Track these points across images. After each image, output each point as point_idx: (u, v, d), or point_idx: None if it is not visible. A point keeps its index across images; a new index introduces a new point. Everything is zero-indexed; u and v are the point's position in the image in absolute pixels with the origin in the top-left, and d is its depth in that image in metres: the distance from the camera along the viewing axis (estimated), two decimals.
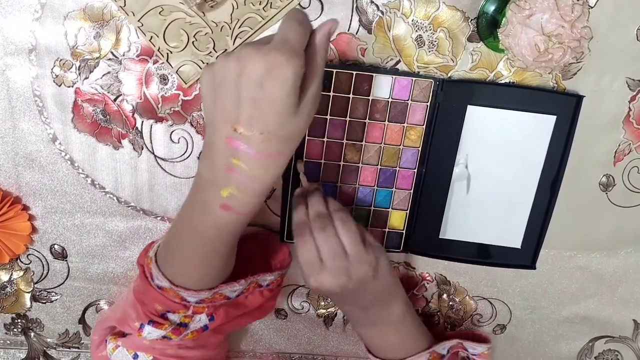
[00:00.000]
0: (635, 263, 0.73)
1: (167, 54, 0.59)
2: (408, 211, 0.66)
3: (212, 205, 0.48)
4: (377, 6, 0.58)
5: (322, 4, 0.58)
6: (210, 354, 0.62)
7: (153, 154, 0.64)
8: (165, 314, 0.57)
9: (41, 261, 0.69)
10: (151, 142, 0.63)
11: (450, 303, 0.74)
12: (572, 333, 0.77)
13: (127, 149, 0.63)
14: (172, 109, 0.62)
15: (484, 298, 0.74)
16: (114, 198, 0.65)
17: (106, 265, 0.69)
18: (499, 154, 0.64)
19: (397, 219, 0.67)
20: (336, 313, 0.74)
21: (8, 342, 0.74)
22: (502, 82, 0.62)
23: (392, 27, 0.59)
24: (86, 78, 0.60)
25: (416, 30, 0.59)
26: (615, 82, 0.63)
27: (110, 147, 0.63)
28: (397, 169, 0.64)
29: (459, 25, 0.60)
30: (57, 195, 0.65)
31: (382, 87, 0.61)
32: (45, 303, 0.71)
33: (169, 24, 0.58)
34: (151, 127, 0.62)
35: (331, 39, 0.47)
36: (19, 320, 0.72)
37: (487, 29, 0.59)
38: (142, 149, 0.63)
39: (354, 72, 0.60)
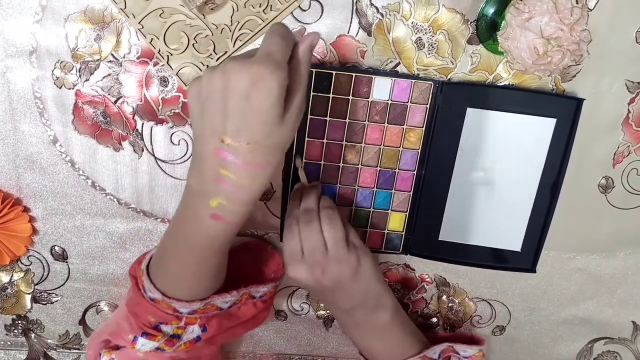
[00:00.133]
0: (634, 265, 0.73)
1: (168, 56, 0.59)
2: (407, 213, 0.67)
3: (202, 215, 0.49)
4: (377, 9, 0.59)
5: (322, 6, 0.58)
6: None
7: (153, 155, 0.64)
8: (158, 326, 0.57)
9: (42, 262, 0.69)
10: (151, 144, 0.63)
11: (450, 304, 0.74)
12: (572, 334, 0.77)
13: (127, 150, 0.63)
14: (173, 111, 0.62)
15: (484, 299, 0.74)
16: (115, 200, 0.66)
17: (106, 267, 0.69)
18: (498, 156, 0.64)
19: (397, 221, 0.67)
20: None
21: (9, 343, 0.74)
22: (502, 84, 0.62)
23: (391, 30, 0.59)
24: (87, 80, 0.60)
25: (416, 33, 0.60)
26: (614, 84, 0.63)
27: (111, 149, 0.63)
28: (397, 170, 0.65)
29: (458, 28, 0.60)
30: (57, 196, 0.65)
31: (382, 89, 0.61)
32: (45, 304, 0.71)
33: (169, 27, 0.58)
34: (151, 129, 0.63)
35: (322, 46, 0.50)
36: (20, 322, 0.72)
37: (486, 31, 0.59)
38: (143, 150, 0.63)
39: (354, 74, 0.60)
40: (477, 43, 0.60)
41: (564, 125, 0.62)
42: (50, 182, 0.64)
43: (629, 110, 0.64)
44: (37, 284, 0.70)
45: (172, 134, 0.63)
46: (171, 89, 0.61)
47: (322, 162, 0.64)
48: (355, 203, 0.66)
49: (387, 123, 0.62)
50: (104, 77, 0.60)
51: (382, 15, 0.59)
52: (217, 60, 0.59)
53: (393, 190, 0.66)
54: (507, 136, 0.63)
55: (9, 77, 0.60)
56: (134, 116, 0.62)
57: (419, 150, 0.64)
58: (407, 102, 0.62)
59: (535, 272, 0.68)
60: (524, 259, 0.68)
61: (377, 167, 0.64)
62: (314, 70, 0.59)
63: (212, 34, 0.58)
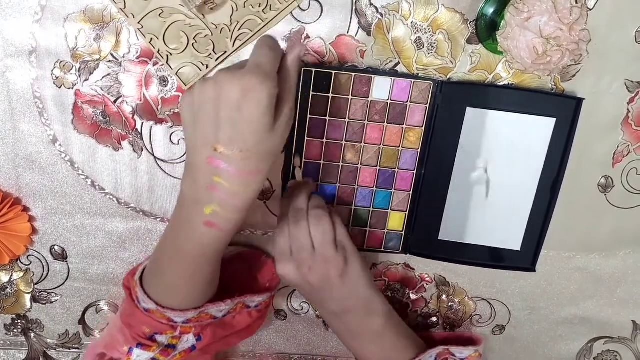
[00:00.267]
0: (634, 264, 0.73)
1: (167, 55, 0.59)
2: (407, 212, 0.67)
3: (196, 223, 0.50)
4: (377, 8, 0.59)
5: (321, 6, 0.58)
6: None
7: (153, 155, 0.64)
8: (153, 336, 0.58)
9: (41, 262, 0.69)
10: (151, 144, 0.63)
11: (450, 304, 0.74)
12: (571, 334, 0.77)
13: (127, 150, 0.63)
14: (172, 110, 0.62)
15: (483, 299, 0.74)
16: (114, 199, 0.66)
17: (106, 266, 0.69)
18: (498, 156, 0.64)
19: (396, 220, 0.67)
20: None
21: (8, 342, 0.74)
22: (502, 84, 0.62)
23: (391, 29, 0.59)
24: (86, 80, 0.60)
25: (415, 33, 0.60)
26: (613, 84, 0.63)
27: (110, 149, 0.63)
28: (397, 170, 0.65)
29: (458, 28, 0.60)
30: (57, 196, 0.65)
31: (381, 89, 0.61)
32: (45, 304, 0.71)
33: (168, 26, 0.58)
34: (151, 129, 0.63)
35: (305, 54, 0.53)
36: (19, 321, 0.72)
37: (486, 31, 0.59)
38: (142, 150, 0.63)
39: (353, 74, 0.60)
40: (476, 43, 0.60)
41: (564, 125, 0.62)
42: (50, 181, 0.64)
43: (628, 109, 0.64)
44: (36, 284, 0.70)
45: (172, 133, 0.63)
46: (171, 88, 0.61)
47: (322, 162, 0.64)
48: (355, 202, 0.66)
49: (387, 123, 0.62)
50: (103, 77, 0.60)
51: (381, 15, 0.59)
52: (216, 60, 0.59)
53: (393, 190, 0.66)
54: (506, 136, 0.63)
55: (8, 76, 0.60)
56: (133, 116, 0.62)
57: (419, 150, 0.64)
58: (407, 102, 0.62)
59: (535, 271, 0.68)
60: (524, 258, 0.68)
61: (376, 166, 0.64)
62: (313, 69, 0.59)
63: (212, 34, 0.58)
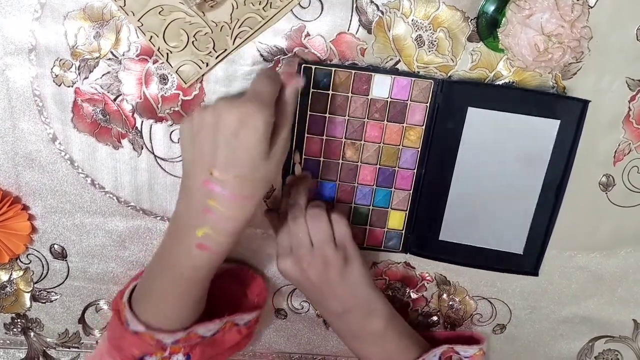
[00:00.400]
0: (635, 263, 0.73)
1: (167, 53, 0.59)
2: (407, 211, 0.66)
3: (189, 245, 0.51)
4: (377, 6, 0.58)
5: (322, 3, 0.58)
6: None
7: (153, 153, 0.64)
8: (143, 358, 0.58)
9: (41, 261, 0.69)
10: (151, 142, 0.63)
11: (450, 303, 0.74)
12: (572, 333, 0.77)
13: (126, 148, 0.63)
14: (172, 108, 0.62)
15: (484, 298, 0.74)
16: (114, 198, 0.65)
17: (106, 265, 0.69)
18: (500, 157, 0.63)
19: (396, 219, 0.67)
20: None
21: (8, 341, 0.74)
22: (503, 83, 0.62)
23: (391, 27, 0.59)
24: (86, 78, 0.60)
25: (416, 30, 0.59)
26: (615, 82, 0.63)
27: (110, 147, 0.63)
28: (397, 169, 0.64)
29: (458, 25, 0.60)
30: (56, 195, 0.65)
31: (381, 87, 0.61)
32: (45, 303, 0.71)
33: (168, 24, 0.58)
34: (151, 127, 0.62)
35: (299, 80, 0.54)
36: (19, 320, 0.72)
37: (486, 28, 0.59)
38: (142, 148, 0.63)
39: (353, 71, 0.60)
40: (477, 40, 0.60)
41: (569, 127, 0.61)
42: (50, 180, 0.64)
43: (629, 108, 0.64)
44: (36, 283, 0.70)
45: (172, 131, 0.63)
46: (171, 86, 0.61)
47: (322, 159, 0.64)
48: (355, 200, 0.66)
49: (387, 121, 0.62)
50: (103, 75, 0.60)
51: (382, 12, 0.59)
52: (216, 58, 0.59)
53: (393, 189, 0.65)
54: (509, 137, 0.63)
55: (8, 74, 0.60)
56: (133, 114, 0.62)
57: (419, 149, 0.64)
58: (407, 100, 0.62)
59: (537, 275, 0.68)
60: (526, 262, 0.67)
61: (376, 164, 0.64)
62: (313, 66, 0.59)
63: (212, 32, 0.58)
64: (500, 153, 0.63)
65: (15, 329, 0.73)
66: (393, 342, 0.62)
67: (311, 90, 0.60)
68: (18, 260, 0.69)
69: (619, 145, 0.66)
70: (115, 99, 0.61)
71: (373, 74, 0.60)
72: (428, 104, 0.62)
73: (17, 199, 0.65)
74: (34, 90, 0.60)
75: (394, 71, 0.61)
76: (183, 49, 0.59)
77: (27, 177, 0.64)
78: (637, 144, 0.66)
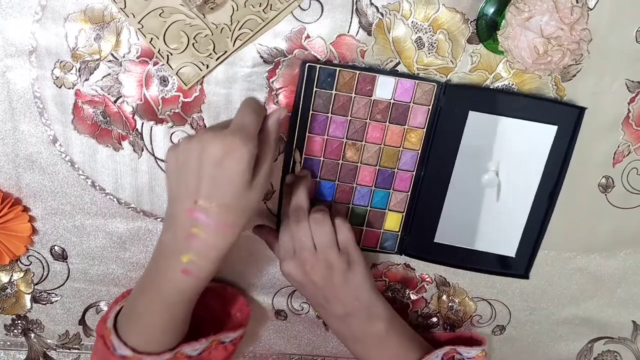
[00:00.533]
0: (634, 264, 0.73)
1: (168, 55, 0.59)
2: (404, 213, 0.67)
3: (174, 270, 0.53)
4: (377, 8, 0.59)
5: (322, 5, 0.58)
6: None
7: (153, 155, 0.64)
8: None
9: (41, 262, 0.69)
10: (151, 144, 0.63)
11: (450, 304, 0.74)
12: (572, 334, 0.77)
13: (127, 150, 0.63)
14: (172, 110, 0.62)
15: (484, 299, 0.74)
16: (114, 199, 0.66)
17: (106, 267, 0.69)
18: (498, 161, 0.64)
19: (393, 221, 0.67)
20: None
21: (8, 343, 0.74)
22: (503, 85, 0.62)
23: (391, 29, 0.59)
24: (86, 80, 0.60)
25: (416, 32, 0.60)
26: (614, 83, 0.63)
27: (111, 149, 0.63)
28: (396, 170, 0.65)
29: (458, 27, 0.60)
30: (57, 196, 0.65)
31: (385, 88, 0.61)
32: (45, 304, 0.71)
33: (169, 26, 0.58)
34: (151, 129, 0.63)
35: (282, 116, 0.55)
36: (19, 322, 0.72)
37: (486, 31, 0.59)
38: (143, 150, 0.63)
39: (358, 72, 0.60)
40: (477, 42, 0.60)
41: (565, 133, 0.62)
42: (50, 181, 0.64)
43: (629, 109, 0.64)
44: (36, 284, 0.70)
45: (172, 133, 0.63)
46: (171, 88, 0.61)
47: (322, 158, 0.64)
48: (353, 201, 0.66)
49: (389, 122, 0.62)
50: (103, 77, 0.60)
51: (382, 14, 0.59)
52: (216, 60, 0.59)
53: (391, 190, 0.65)
54: (508, 141, 0.63)
55: (8, 76, 0.60)
56: (133, 116, 0.62)
57: (419, 151, 0.64)
58: (410, 103, 0.62)
59: (528, 278, 0.69)
60: (518, 265, 0.68)
61: (376, 166, 0.64)
62: (318, 66, 0.59)
63: (212, 34, 0.58)
64: (498, 157, 0.64)
65: (15, 331, 0.73)
66: (394, 344, 0.62)
67: (315, 89, 0.60)
68: (18, 262, 0.69)
69: (618, 146, 0.66)
70: (115, 101, 0.61)
71: (377, 75, 0.60)
72: (430, 107, 0.62)
73: (17, 201, 0.65)
74: (34, 92, 0.60)
75: (398, 73, 0.61)
76: (183, 51, 0.59)
77: (27, 178, 0.64)
78: (636, 145, 0.66)
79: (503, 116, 0.62)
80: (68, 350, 0.75)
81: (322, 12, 0.59)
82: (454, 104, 0.62)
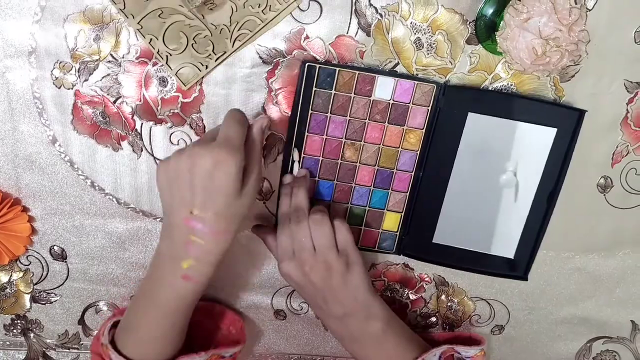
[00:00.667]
0: (633, 264, 0.73)
1: (167, 56, 0.59)
2: (403, 213, 0.67)
3: (174, 276, 0.55)
4: (376, 9, 0.59)
5: (321, 6, 0.58)
6: None
7: (152, 155, 0.64)
8: None
9: (41, 262, 0.69)
10: (150, 144, 0.63)
11: (449, 304, 0.74)
12: (570, 334, 0.77)
13: (126, 150, 0.63)
14: (172, 111, 0.62)
15: (483, 299, 0.74)
16: (114, 199, 0.66)
17: (106, 267, 0.69)
18: (497, 163, 0.64)
19: (392, 221, 0.67)
20: None
21: (7, 343, 0.74)
22: (501, 85, 0.62)
23: (390, 30, 0.59)
24: (86, 80, 0.60)
25: (415, 33, 0.60)
26: (613, 84, 0.63)
27: (110, 149, 0.63)
28: (395, 170, 0.65)
29: (457, 28, 0.60)
30: (56, 196, 0.65)
31: (384, 89, 0.61)
32: (44, 304, 0.71)
33: (168, 27, 0.58)
34: (150, 129, 0.63)
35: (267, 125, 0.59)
36: (19, 321, 0.72)
37: (485, 31, 0.59)
38: (142, 150, 0.63)
39: (357, 72, 0.60)
40: (475, 43, 0.61)
41: (565, 135, 0.62)
42: (50, 182, 0.64)
43: (627, 110, 0.64)
44: (36, 284, 0.70)
45: (171, 134, 0.63)
46: (170, 89, 0.61)
47: (321, 158, 0.64)
48: (351, 201, 0.66)
49: (388, 123, 0.63)
50: (103, 77, 0.60)
51: (381, 15, 0.59)
52: (216, 61, 0.59)
53: (390, 190, 0.66)
54: (507, 143, 0.63)
55: (8, 77, 0.60)
56: (133, 116, 0.62)
57: (418, 152, 0.64)
58: (409, 103, 0.62)
59: (527, 279, 0.69)
60: (517, 266, 0.68)
61: (375, 166, 0.64)
62: (318, 65, 0.59)
63: (211, 34, 0.58)
64: (496, 158, 0.64)
65: (15, 330, 0.73)
66: (392, 344, 0.62)
67: (314, 89, 0.61)
68: (18, 262, 0.69)
69: (617, 147, 0.66)
70: (115, 101, 0.61)
71: (376, 75, 0.60)
72: (429, 108, 0.62)
73: (17, 201, 0.65)
74: (34, 92, 0.60)
75: (397, 74, 0.61)
76: (182, 51, 0.59)
77: (27, 179, 0.64)
78: (635, 145, 0.66)
79: (502, 118, 0.62)
80: (67, 350, 0.75)
81: (321, 13, 0.59)
82: (454, 105, 0.62)
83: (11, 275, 0.69)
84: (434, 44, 0.60)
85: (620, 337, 0.78)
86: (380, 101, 0.62)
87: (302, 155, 0.64)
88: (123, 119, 0.62)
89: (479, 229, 0.67)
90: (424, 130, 0.63)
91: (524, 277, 0.69)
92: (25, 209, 0.65)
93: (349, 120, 0.62)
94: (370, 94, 0.61)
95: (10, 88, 0.60)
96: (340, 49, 0.60)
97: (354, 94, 0.61)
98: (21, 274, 0.69)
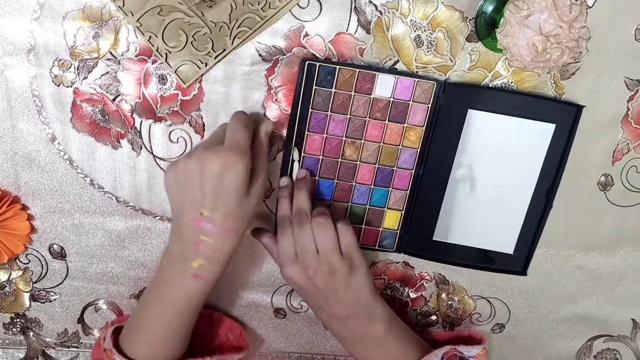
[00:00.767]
0: (633, 262, 0.73)
1: (166, 54, 0.59)
2: (403, 211, 0.66)
3: (185, 275, 0.57)
4: (376, 6, 0.59)
5: (320, 4, 0.58)
6: None
7: (152, 153, 0.64)
8: None
9: (40, 261, 0.69)
10: (150, 142, 0.63)
11: (449, 302, 0.74)
12: (571, 332, 0.77)
13: (125, 148, 0.63)
14: (171, 108, 0.62)
15: (483, 297, 0.74)
16: (113, 198, 0.65)
17: (105, 265, 0.69)
18: (496, 159, 0.64)
19: (392, 219, 0.67)
20: None
21: (7, 341, 0.74)
22: (502, 83, 0.62)
23: (390, 27, 0.59)
24: (85, 78, 0.60)
25: (415, 30, 0.60)
26: (613, 81, 0.63)
27: (109, 147, 0.63)
28: (395, 168, 0.65)
29: (457, 25, 0.60)
30: (56, 194, 0.65)
31: (385, 87, 0.61)
32: (44, 302, 0.71)
33: (167, 24, 0.58)
34: (150, 127, 0.62)
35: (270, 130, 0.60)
36: (18, 320, 0.72)
37: (485, 29, 0.59)
38: (141, 148, 0.63)
39: (357, 70, 0.60)
40: (476, 40, 0.60)
41: (563, 131, 0.62)
42: (49, 180, 0.64)
43: (628, 107, 0.64)
44: (35, 282, 0.70)
45: (171, 131, 0.63)
46: (170, 86, 0.61)
47: (321, 157, 0.64)
48: (352, 199, 0.66)
49: (388, 121, 0.62)
50: (102, 75, 0.60)
51: (380, 12, 0.59)
52: (215, 58, 0.59)
53: (390, 188, 0.65)
54: (506, 139, 0.63)
55: (7, 75, 0.59)
56: (132, 114, 0.62)
57: (418, 150, 0.64)
58: (409, 101, 0.62)
59: (526, 275, 0.69)
60: (516, 262, 0.69)
61: (375, 164, 0.64)
62: (318, 64, 0.59)
63: (211, 32, 0.58)
64: (496, 155, 0.64)
65: (14, 329, 0.73)
66: (394, 345, 0.63)
67: (314, 87, 0.60)
68: (17, 260, 0.69)
69: (617, 144, 0.66)
70: (114, 99, 0.61)
71: (377, 73, 0.60)
72: (429, 105, 0.62)
73: (16, 199, 0.65)
74: (32, 90, 0.60)
75: (398, 71, 0.61)
76: (182, 49, 0.59)
77: (26, 177, 0.64)
78: (635, 143, 0.66)
79: (502, 114, 0.62)
80: (67, 349, 0.75)
81: (320, 11, 0.59)
82: (454, 103, 0.62)
83: (10, 274, 0.69)
84: (434, 41, 0.60)
85: (621, 335, 0.78)
86: (381, 99, 0.61)
87: (302, 154, 0.63)
88: (122, 116, 0.62)
89: (479, 225, 0.67)
90: (424, 128, 0.63)
91: (522, 273, 0.69)
92: (24, 207, 0.65)
93: (349, 118, 0.62)
94: (371, 91, 0.61)
95: (9, 86, 0.60)
96: (340, 47, 0.60)
97: (354, 92, 0.61)
98: (20, 273, 0.69)
